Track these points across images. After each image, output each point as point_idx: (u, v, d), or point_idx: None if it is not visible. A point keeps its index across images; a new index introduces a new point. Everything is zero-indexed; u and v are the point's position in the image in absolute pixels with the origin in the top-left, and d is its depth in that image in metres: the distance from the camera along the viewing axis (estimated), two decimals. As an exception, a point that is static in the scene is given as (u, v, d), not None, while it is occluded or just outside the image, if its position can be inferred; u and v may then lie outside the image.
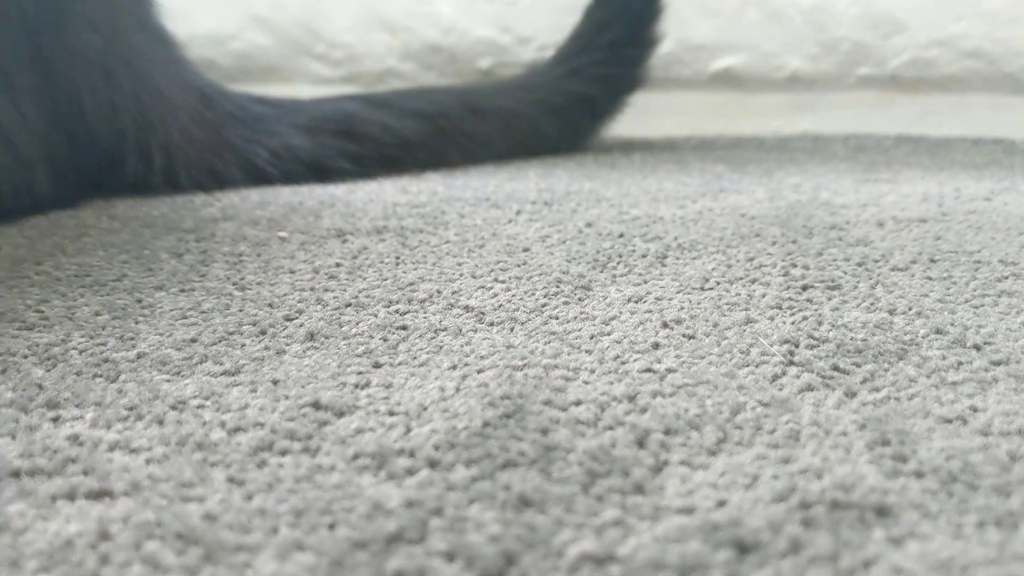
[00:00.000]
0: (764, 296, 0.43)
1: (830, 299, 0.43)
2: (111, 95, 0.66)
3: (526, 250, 0.52)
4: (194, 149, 0.70)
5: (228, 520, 0.24)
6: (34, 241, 0.54)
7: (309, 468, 0.27)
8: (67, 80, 0.64)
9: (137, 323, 0.40)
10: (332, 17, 1.13)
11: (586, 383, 0.33)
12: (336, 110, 0.78)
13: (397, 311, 0.41)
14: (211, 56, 1.12)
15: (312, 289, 0.45)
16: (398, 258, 0.50)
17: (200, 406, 0.31)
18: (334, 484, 0.26)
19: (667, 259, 0.50)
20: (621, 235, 0.55)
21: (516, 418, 0.30)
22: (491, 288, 0.45)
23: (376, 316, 0.41)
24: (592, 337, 0.38)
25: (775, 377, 0.34)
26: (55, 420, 0.30)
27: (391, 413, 0.31)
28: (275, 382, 0.33)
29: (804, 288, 0.44)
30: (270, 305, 0.42)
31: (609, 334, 0.38)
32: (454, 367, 0.35)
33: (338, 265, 0.49)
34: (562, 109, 0.90)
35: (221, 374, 0.34)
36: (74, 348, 0.37)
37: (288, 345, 0.37)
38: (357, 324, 0.40)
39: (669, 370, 0.34)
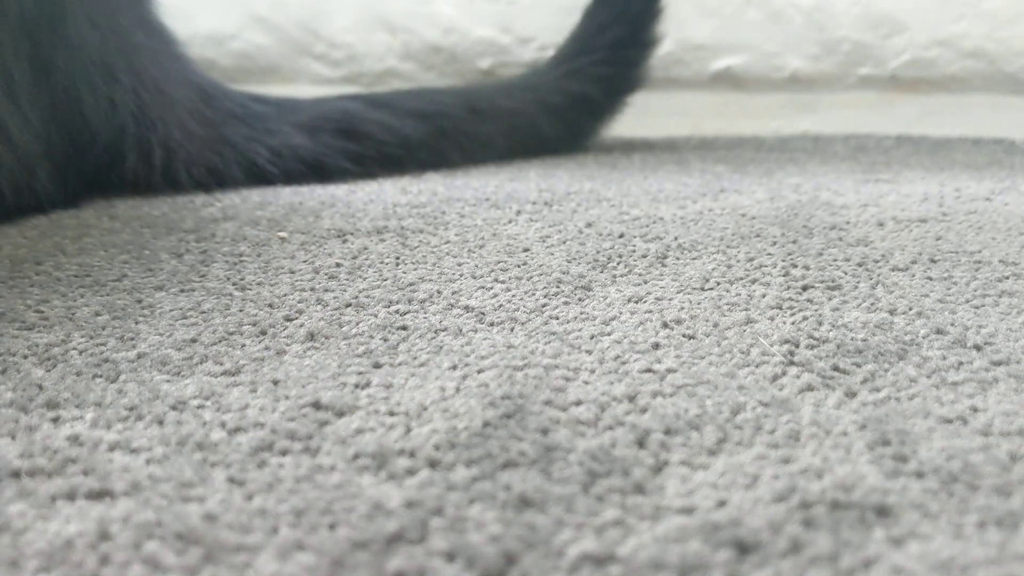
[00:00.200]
0: (764, 296, 0.43)
1: (830, 299, 0.43)
2: (111, 92, 0.66)
3: (526, 250, 0.52)
4: (194, 147, 0.70)
5: (228, 520, 0.24)
6: (34, 241, 0.54)
7: (309, 468, 0.27)
8: (67, 77, 0.63)
9: (137, 323, 0.40)
10: (332, 17, 1.13)
11: (586, 383, 0.33)
12: (336, 109, 0.78)
13: (397, 311, 0.41)
14: (211, 56, 1.12)
15: (312, 289, 0.45)
16: (398, 258, 0.50)
17: (200, 406, 0.31)
18: (334, 484, 0.26)
19: (667, 259, 0.50)
20: (621, 235, 0.55)
21: (516, 418, 0.30)
22: (491, 288, 0.45)
23: (376, 316, 0.41)
24: (592, 337, 0.38)
25: (775, 377, 0.34)
26: (55, 420, 0.30)
27: (391, 413, 0.31)
28: (275, 382, 0.33)
29: (804, 288, 0.44)
30: (270, 305, 0.42)
31: (609, 334, 0.38)
32: (454, 367, 0.35)
33: (338, 265, 0.49)
34: (562, 109, 0.90)
35: (221, 374, 0.34)
36: (74, 348, 0.37)
37: (288, 345, 0.37)
38: (357, 324, 0.40)
39: (669, 370, 0.34)
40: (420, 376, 0.34)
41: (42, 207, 0.61)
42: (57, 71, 0.63)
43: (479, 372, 0.34)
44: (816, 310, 0.41)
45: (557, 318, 0.40)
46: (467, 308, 0.42)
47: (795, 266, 0.48)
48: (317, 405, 0.31)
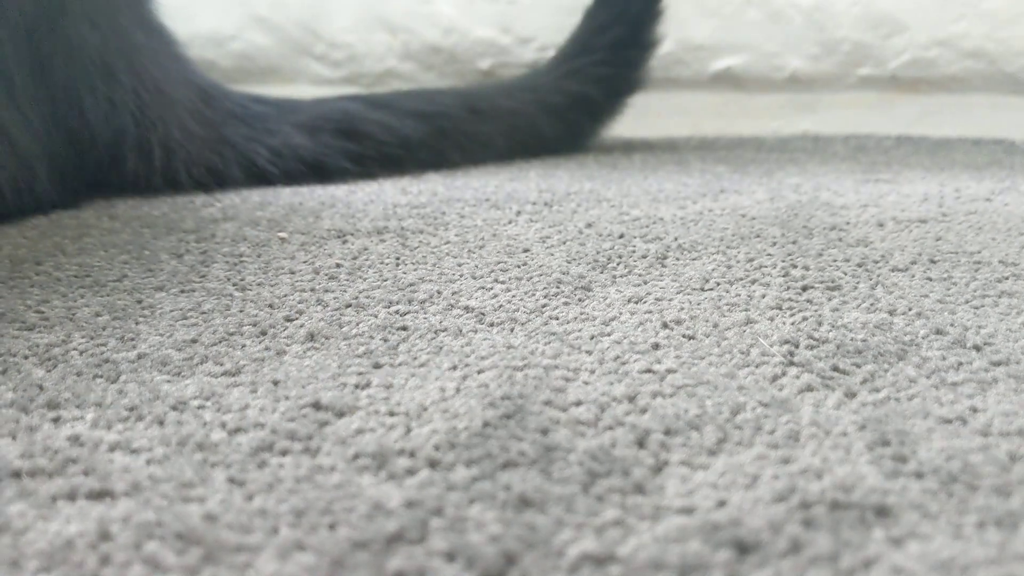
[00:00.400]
0: (764, 297, 0.43)
1: (830, 300, 0.43)
2: (111, 92, 0.66)
3: (526, 251, 0.52)
4: (194, 147, 0.70)
5: (228, 520, 0.24)
6: (34, 241, 0.54)
7: (309, 468, 0.27)
8: (66, 78, 0.64)
9: (137, 324, 0.40)
10: (332, 17, 1.13)
11: (586, 383, 0.33)
12: (336, 110, 0.78)
13: (397, 312, 0.41)
14: (211, 56, 1.12)
15: (312, 290, 0.45)
16: (398, 259, 0.50)
17: (200, 407, 0.31)
18: (334, 484, 0.26)
19: (667, 260, 0.50)
20: (621, 236, 0.55)
21: (516, 418, 0.30)
22: (491, 289, 0.45)
23: (376, 317, 0.41)
24: (592, 338, 0.38)
25: (775, 377, 0.34)
26: (55, 420, 0.30)
27: (391, 413, 0.31)
28: (275, 382, 0.33)
29: (804, 289, 0.44)
30: (270, 306, 0.42)
31: (609, 335, 0.38)
32: (454, 367, 0.35)
33: (338, 266, 0.49)
34: (562, 110, 0.90)
35: (221, 374, 0.34)
36: (74, 349, 0.37)
37: (288, 346, 0.37)
38: (357, 325, 0.40)
39: (669, 370, 0.34)
40: (420, 376, 0.34)
41: (42, 207, 0.61)
42: (57, 71, 0.63)
43: (479, 372, 0.34)
44: (816, 310, 0.41)
45: (557, 318, 0.40)
46: (467, 308, 0.42)
47: (795, 266, 0.48)
48: (317, 405, 0.31)
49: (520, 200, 0.65)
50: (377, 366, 0.35)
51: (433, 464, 0.27)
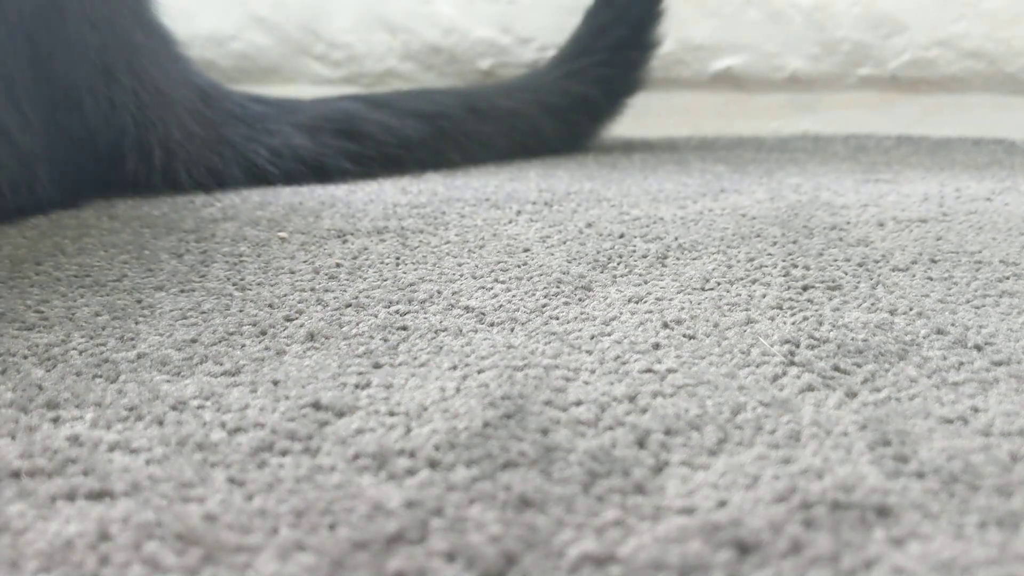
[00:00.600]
0: (764, 296, 0.43)
1: (831, 299, 0.43)
2: (110, 93, 0.66)
3: (526, 250, 0.52)
4: (194, 147, 0.70)
5: (228, 520, 0.24)
6: (34, 241, 0.54)
7: (309, 468, 0.27)
8: (66, 78, 0.64)
9: (137, 323, 0.40)
10: (332, 17, 1.13)
11: (586, 383, 0.33)
12: (336, 110, 0.78)
13: (397, 311, 0.41)
14: (211, 57, 1.12)
15: (312, 290, 0.45)
16: (398, 259, 0.50)
17: (200, 406, 0.31)
18: (334, 484, 0.26)
19: (667, 259, 0.50)
20: (621, 235, 0.55)
21: (516, 418, 0.30)
22: (491, 288, 0.45)
23: (376, 316, 0.41)
24: (592, 337, 0.38)
25: (776, 377, 0.34)
26: (55, 420, 0.30)
27: (391, 413, 0.31)
28: (275, 382, 0.33)
29: (805, 288, 0.44)
30: (270, 306, 0.42)
31: (609, 334, 0.38)
32: (454, 367, 0.35)
33: (338, 265, 0.49)
34: (562, 110, 0.90)
35: (221, 374, 0.34)
36: (74, 348, 0.37)
37: (288, 345, 0.37)
38: (357, 324, 0.40)
39: (669, 370, 0.34)
40: (420, 376, 0.34)
41: (42, 207, 0.61)
42: (57, 72, 0.63)
43: (479, 372, 0.34)
44: (816, 310, 0.41)
45: (557, 318, 0.40)
46: (467, 308, 0.42)
47: (795, 266, 0.48)
48: (317, 405, 0.31)
49: (520, 200, 0.65)
50: (377, 366, 0.35)
51: (433, 464, 0.27)
